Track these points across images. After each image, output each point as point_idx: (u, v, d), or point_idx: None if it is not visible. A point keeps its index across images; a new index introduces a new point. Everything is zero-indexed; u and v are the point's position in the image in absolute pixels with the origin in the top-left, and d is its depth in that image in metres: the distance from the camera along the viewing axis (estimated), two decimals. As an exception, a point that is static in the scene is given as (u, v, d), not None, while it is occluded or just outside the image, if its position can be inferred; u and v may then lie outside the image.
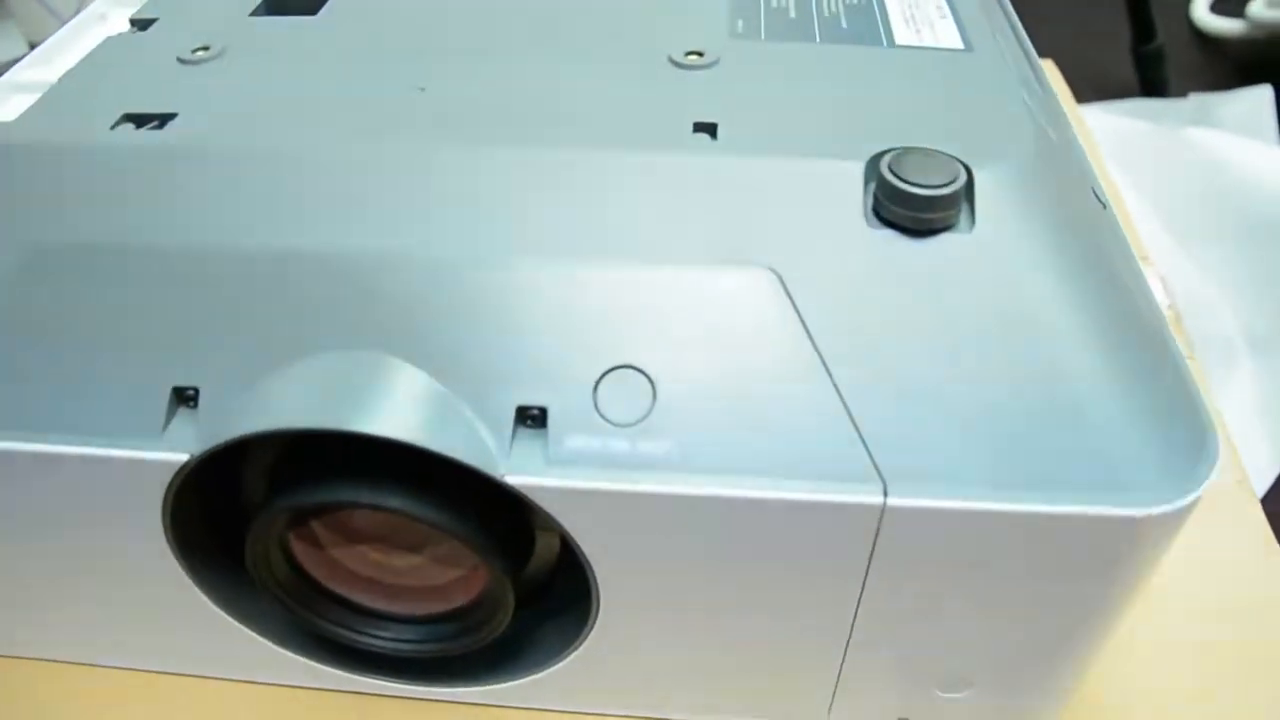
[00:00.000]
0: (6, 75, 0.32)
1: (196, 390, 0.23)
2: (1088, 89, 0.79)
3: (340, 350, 0.23)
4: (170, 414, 0.23)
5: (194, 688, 0.30)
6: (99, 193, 0.25)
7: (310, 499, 0.24)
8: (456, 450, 0.22)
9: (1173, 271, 0.64)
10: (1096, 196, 0.28)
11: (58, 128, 0.26)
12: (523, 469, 0.22)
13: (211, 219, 0.24)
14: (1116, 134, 0.68)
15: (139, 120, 0.26)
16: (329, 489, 0.24)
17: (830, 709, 0.28)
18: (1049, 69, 0.55)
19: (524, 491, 0.22)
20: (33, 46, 0.98)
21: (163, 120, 0.26)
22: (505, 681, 0.28)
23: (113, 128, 0.26)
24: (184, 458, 0.23)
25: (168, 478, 0.24)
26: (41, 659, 0.31)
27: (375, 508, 0.24)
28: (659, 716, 0.29)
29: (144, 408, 0.23)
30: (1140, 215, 0.65)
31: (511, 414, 0.22)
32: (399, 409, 0.22)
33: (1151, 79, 0.81)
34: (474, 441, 0.22)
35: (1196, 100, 0.73)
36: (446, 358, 0.23)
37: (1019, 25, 0.37)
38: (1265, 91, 0.72)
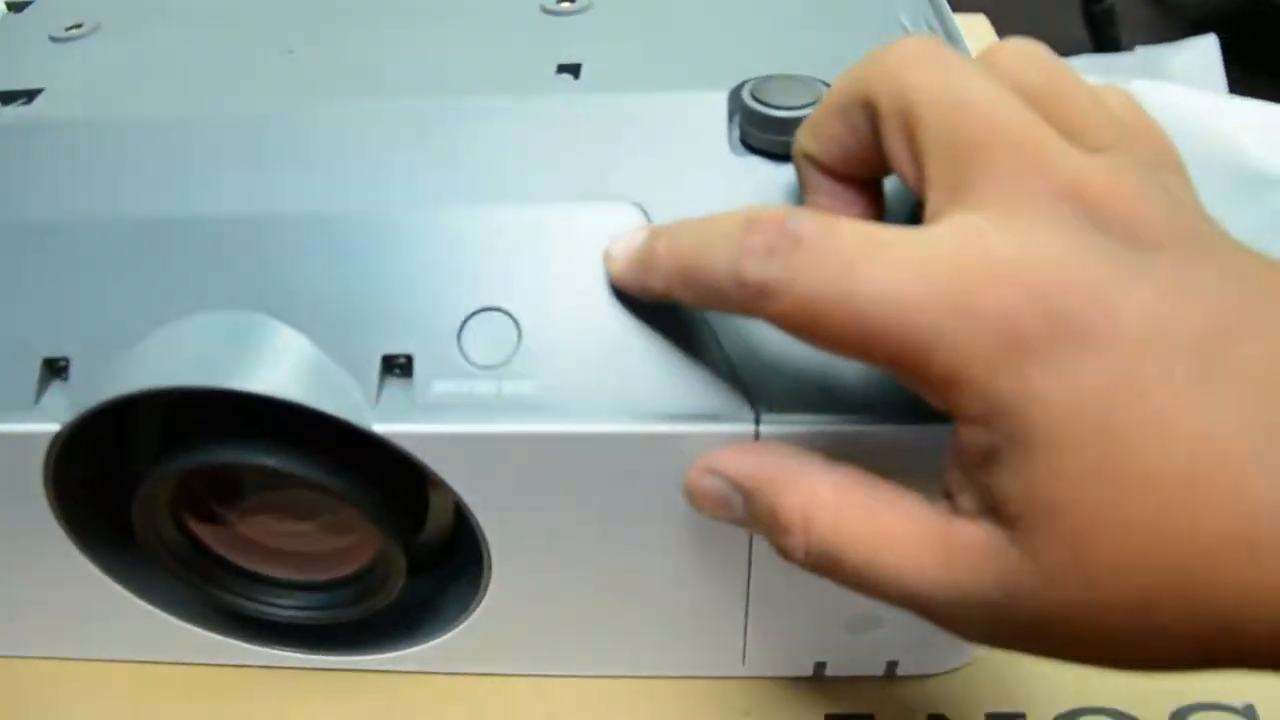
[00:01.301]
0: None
1: (67, 360, 0.23)
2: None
3: (208, 312, 0.23)
4: (42, 386, 0.23)
5: (97, 672, 0.30)
6: (-38, 169, 0.25)
7: (192, 461, 0.24)
8: (325, 403, 0.22)
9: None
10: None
11: (-76, 110, 0.26)
12: (390, 417, 0.22)
13: (75, 190, 0.24)
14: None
15: (6, 98, 0.26)
16: (209, 451, 0.24)
17: (744, 658, 0.28)
18: (979, 23, 0.55)
19: (393, 440, 0.22)
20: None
21: (30, 96, 0.26)
22: (409, 647, 0.28)
23: (-17, 105, 0.26)
24: (56, 427, 0.23)
25: (44, 448, 0.23)
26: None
27: (254, 468, 0.24)
28: (571, 674, 0.28)
29: (14, 382, 0.23)
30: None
31: (378, 364, 0.22)
32: (265, 366, 0.22)
33: (1103, 37, 0.81)
34: (341, 394, 0.22)
35: (1143, 53, 0.72)
36: (314, 313, 0.23)
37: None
38: (1210, 40, 0.71)
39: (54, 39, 0.28)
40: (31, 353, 0.23)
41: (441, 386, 0.22)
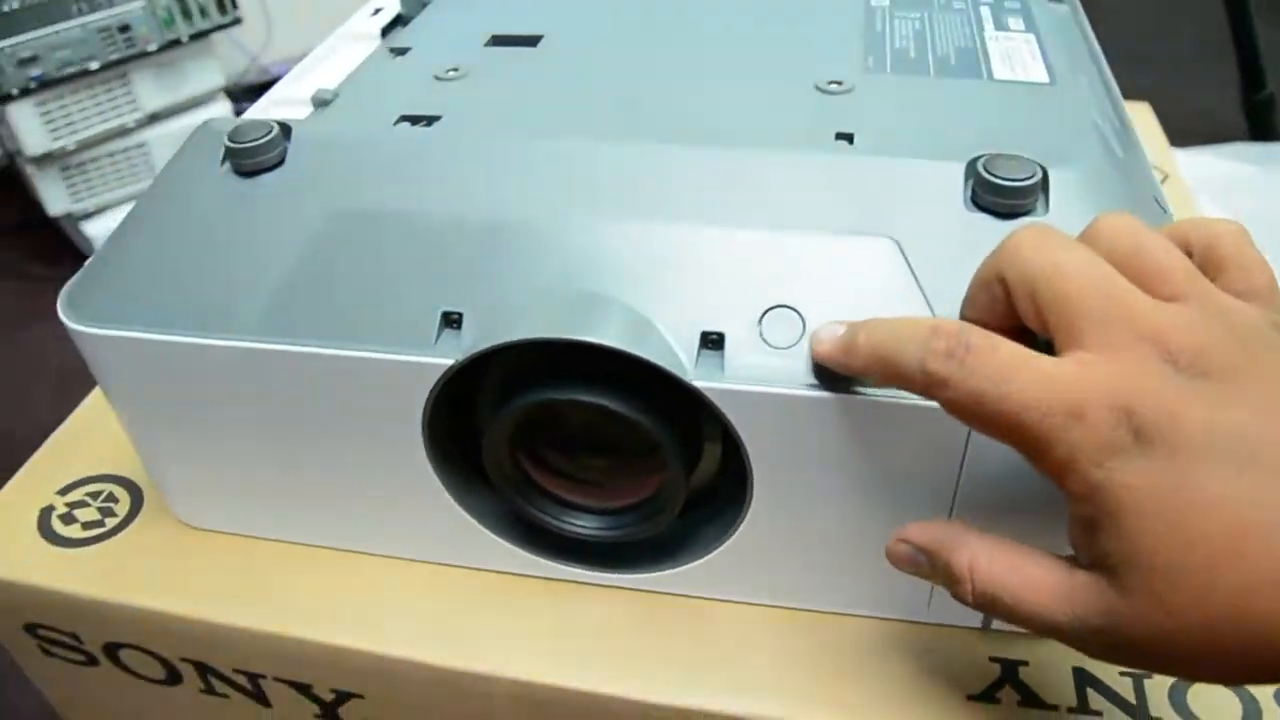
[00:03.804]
0: (267, 95, 0.45)
1: (461, 314, 0.35)
2: (1195, 133, 0.89)
3: (570, 289, 0.34)
4: (440, 331, 0.35)
5: (425, 570, 0.41)
6: (388, 171, 0.37)
7: (540, 397, 0.35)
8: (658, 358, 0.32)
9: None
10: (1157, 202, 0.38)
11: (349, 124, 0.39)
12: (705, 377, 0.33)
13: (473, 194, 0.36)
14: (1219, 178, 0.77)
15: (413, 120, 0.38)
16: (553, 389, 0.35)
17: (929, 605, 0.38)
18: (1145, 111, 0.65)
19: (705, 393, 0.33)
20: (228, 80, 1.15)
21: (430, 120, 0.38)
22: (669, 569, 0.38)
23: (394, 124, 0.38)
24: (449, 362, 0.34)
25: (433, 380, 0.35)
26: (307, 544, 0.42)
27: (588, 405, 0.34)
28: (790, 605, 0.39)
29: (421, 327, 0.35)
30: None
31: (698, 337, 0.33)
32: (615, 327, 0.33)
33: (1262, 126, 0.90)
34: (670, 355, 0.33)
35: (1299, 145, 0.82)
36: (651, 297, 0.34)
37: (1105, 68, 0.47)
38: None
39: (437, 78, 0.40)
40: (435, 306, 0.35)
41: (744, 358, 0.33)
